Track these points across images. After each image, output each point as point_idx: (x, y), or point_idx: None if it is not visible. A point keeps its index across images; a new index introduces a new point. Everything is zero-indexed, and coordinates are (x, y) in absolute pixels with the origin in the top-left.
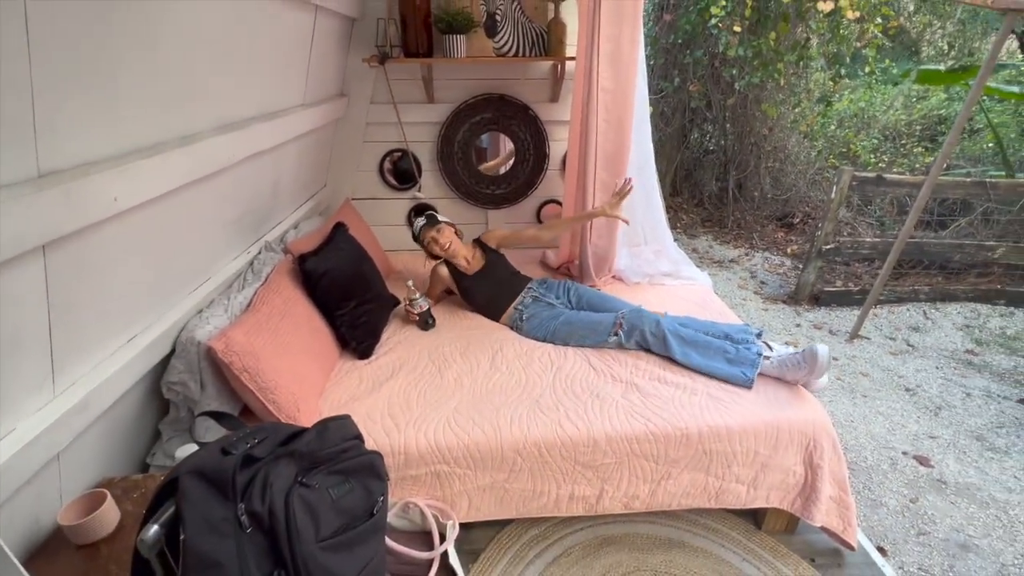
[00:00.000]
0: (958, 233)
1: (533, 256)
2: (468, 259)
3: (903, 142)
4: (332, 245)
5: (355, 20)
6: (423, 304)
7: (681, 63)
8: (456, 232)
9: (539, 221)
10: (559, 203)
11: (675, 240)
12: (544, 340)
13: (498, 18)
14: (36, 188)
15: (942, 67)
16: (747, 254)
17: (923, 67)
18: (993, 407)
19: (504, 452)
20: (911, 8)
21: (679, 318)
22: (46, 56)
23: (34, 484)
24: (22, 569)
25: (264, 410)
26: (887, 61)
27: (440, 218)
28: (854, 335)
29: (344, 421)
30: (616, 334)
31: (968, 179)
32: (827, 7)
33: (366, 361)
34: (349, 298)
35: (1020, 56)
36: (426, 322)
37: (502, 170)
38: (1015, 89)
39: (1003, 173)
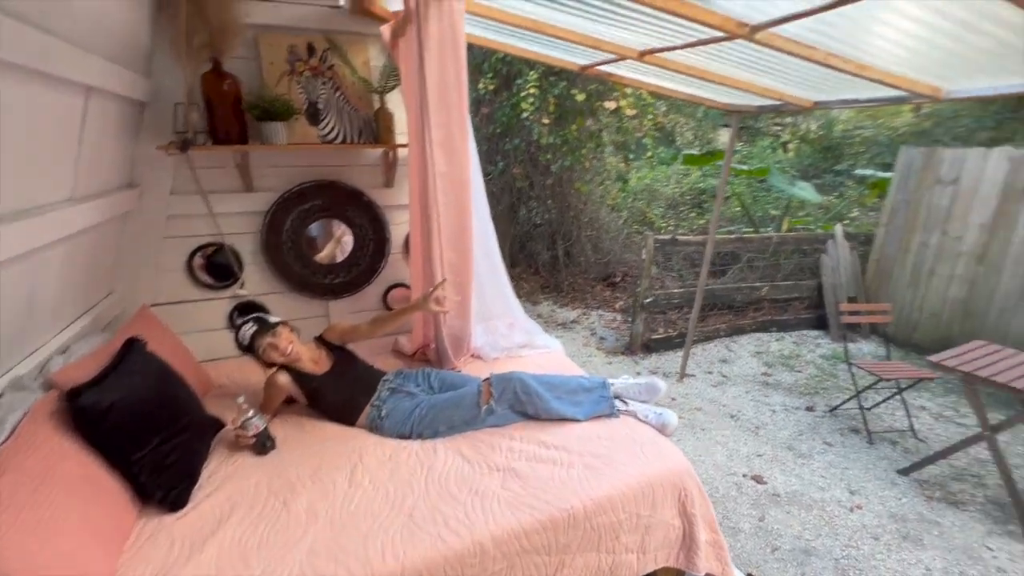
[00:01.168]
0: (734, 278)
1: (384, 345)
2: (315, 360)
3: (680, 209)
4: (122, 368)
5: (146, 104)
6: (258, 423)
7: (503, 149)
8: (292, 331)
9: (386, 306)
10: (406, 286)
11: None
12: (409, 436)
13: (320, 106)
14: None
15: (696, 151)
16: (584, 314)
17: (684, 152)
18: (792, 419)
19: None
20: (664, 108)
21: (540, 376)
22: None
23: None
24: None
25: None
26: (660, 148)
27: (271, 319)
28: (683, 374)
29: None
30: (487, 403)
31: (732, 236)
32: (612, 106)
33: (179, 514)
34: (150, 434)
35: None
36: (263, 444)
37: (339, 257)
38: (744, 167)
39: (751, 229)
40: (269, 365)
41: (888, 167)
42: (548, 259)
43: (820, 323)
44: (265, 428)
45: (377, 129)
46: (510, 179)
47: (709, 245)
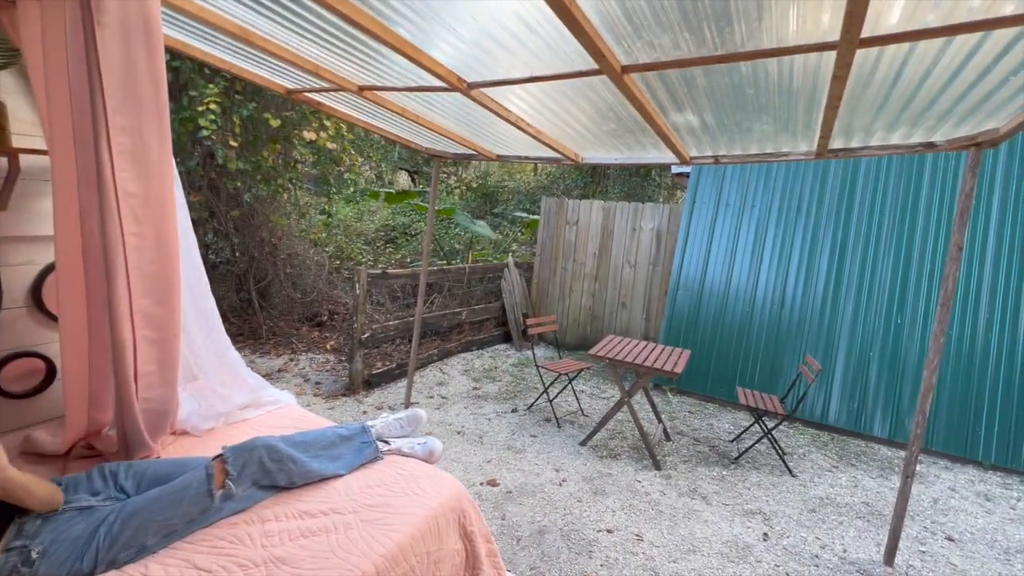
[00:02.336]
0: (439, 306)
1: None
2: None
3: (377, 244)
4: None
5: None
6: None
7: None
8: None
9: (3, 392)
10: (39, 356)
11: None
12: (94, 572)
13: None
14: None
15: (394, 190)
16: (292, 359)
17: (380, 190)
18: (504, 422)
19: None
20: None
21: (287, 437)
22: None
23: None
24: None
25: None
26: (359, 184)
27: None
28: (407, 403)
29: None
30: (221, 487)
31: (435, 268)
32: (311, 136)
33: None
34: None
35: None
36: None
37: None
38: (437, 207)
39: (444, 261)
40: None
41: (530, 210)
42: (238, 302)
43: (506, 337)
44: None
45: None
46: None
47: (423, 276)
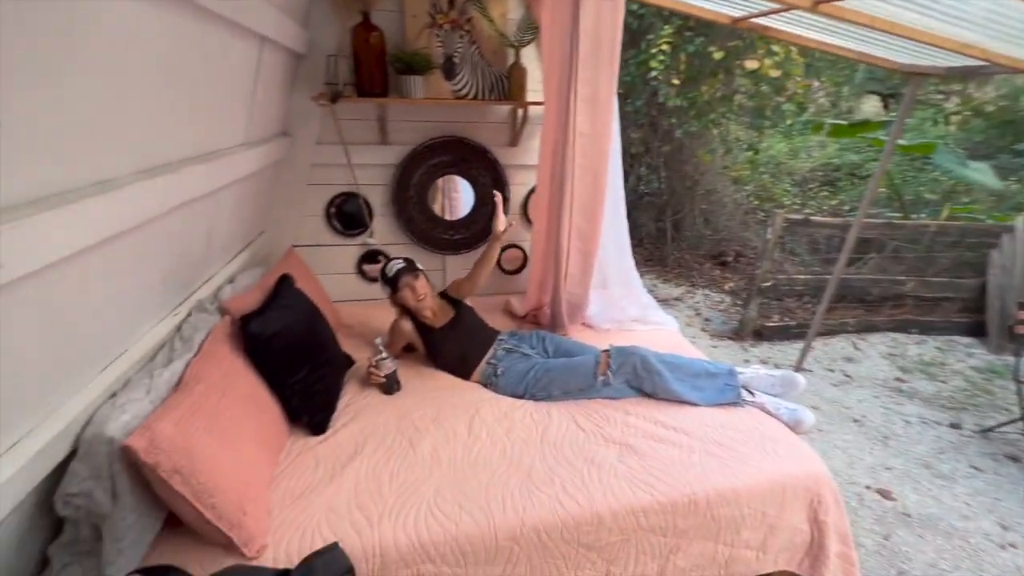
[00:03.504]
0: (873, 269)
1: (495, 305)
2: (434, 311)
3: (809, 187)
4: (278, 301)
5: (302, 56)
6: (390, 365)
7: (623, 112)
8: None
9: (500, 267)
10: (520, 248)
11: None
12: (523, 396)
13: (456, 60)
14: None
15: (837, 121)
16: (689, 292)
17: (830, 121)
18: (931, 434)
19: (499, 542)
20: (801, 71)
21: (660, 354)
22: None
23: None
24: None
25: (199, 518)
26: (805, 114)
27: (417, 264)
28: (798, 368)
29: (332, 555)
30: (604, 374)
31: (879, 221)
32: (752, 65)
33: (321, 438)
34: (302, 363)
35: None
36: (390, 386)
37: (460, 214)
38: (902, 142)
39: (901, 214)
40: (397, 305)
41: None
42: (654, 231)
43: (976, 329)
44: (394, 371)
45: (509, 86)
46: (625, 143)
47: (854, 228)
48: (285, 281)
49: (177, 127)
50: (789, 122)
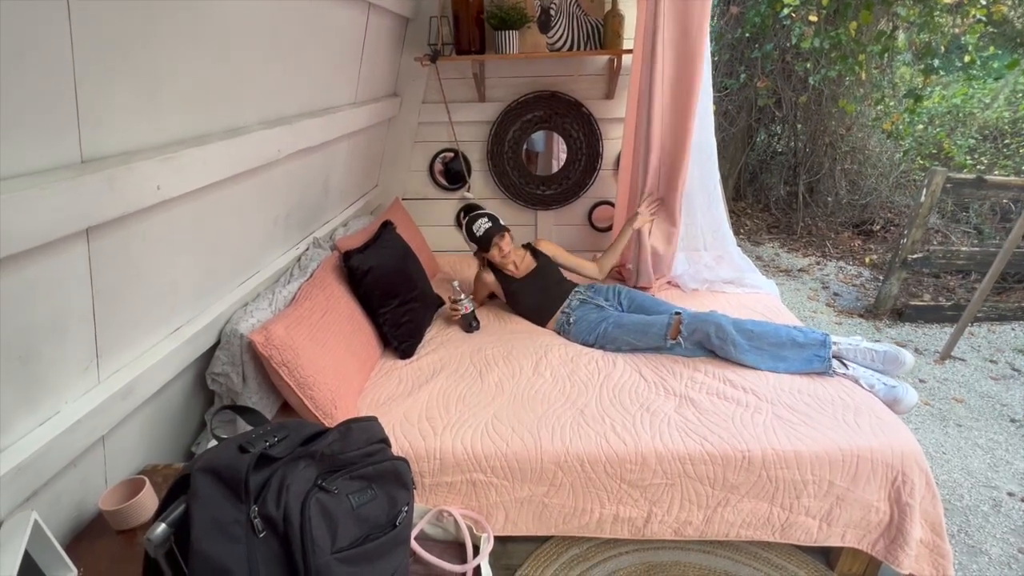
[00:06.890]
0: None
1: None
2: (517, 264)
3: (1007, 142)
4: (378, 243)
5: (409, 20)
6: (468, 305)
7: (748, 58)
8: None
9: (591, 223)
10: (611, 204)
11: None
12: (593, 345)
13: (552, 12)
14: (78, 173)
15: None
16: (818, 263)
17: None
18: None
19: (544, 464)
20: None
21: (740, 321)
22: (89, 42)
23: (79, 467)
24: (61, 550)
25: (301, 406)
26: (991, 49)
27: (500, 222)
28: (946, 355)
29: (370, 423)
30: (674, 337)
31: None
32: None
33: (407, 361)
34: (393, 296)
35: None
36: (470, 324)
37: (552, 169)
38: None
39: None
40: (482, 260)
41: None
42: (784, 195)
43: None
44: (473, 311)
45: (604, 34)
46: (751, 95)
47: None
48: (387, 226)
49: (293, 88)
50: (969, 59)
